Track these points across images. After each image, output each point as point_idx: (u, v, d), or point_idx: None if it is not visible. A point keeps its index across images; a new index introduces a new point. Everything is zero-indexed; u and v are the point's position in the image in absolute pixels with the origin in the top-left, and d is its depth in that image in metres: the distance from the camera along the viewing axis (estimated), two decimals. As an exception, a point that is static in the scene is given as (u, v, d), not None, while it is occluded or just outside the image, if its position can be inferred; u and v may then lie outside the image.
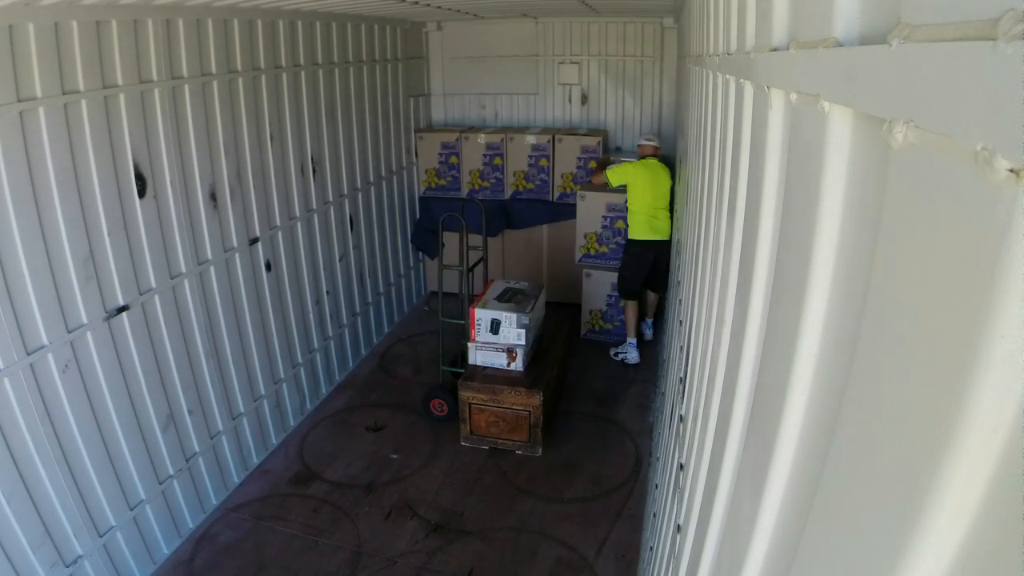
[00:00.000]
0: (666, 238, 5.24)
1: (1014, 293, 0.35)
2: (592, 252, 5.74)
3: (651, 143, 5.38)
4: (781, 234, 0.99)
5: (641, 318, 5.64)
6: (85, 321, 2.99)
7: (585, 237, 5.71)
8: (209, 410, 3.90)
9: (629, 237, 5.33)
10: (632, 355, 5.50)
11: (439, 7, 4.81)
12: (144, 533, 3.38)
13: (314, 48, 4.69)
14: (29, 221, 2.70)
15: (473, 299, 4.59)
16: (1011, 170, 0.34)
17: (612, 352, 5.59)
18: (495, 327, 4.34)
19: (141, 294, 3.32)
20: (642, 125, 6.40)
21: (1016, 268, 0.35)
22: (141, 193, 3.28)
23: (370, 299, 5.81)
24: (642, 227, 5.22)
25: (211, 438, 3.90)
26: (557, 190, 6.28)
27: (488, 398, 4.31)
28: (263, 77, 4.15)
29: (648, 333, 5.84)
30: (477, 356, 4.46)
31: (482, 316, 4.37)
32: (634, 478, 4.18)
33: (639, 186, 5.19)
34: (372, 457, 4.40)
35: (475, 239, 5.11)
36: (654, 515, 3.25)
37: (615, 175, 5.26)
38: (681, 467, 2.18)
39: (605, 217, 5.63)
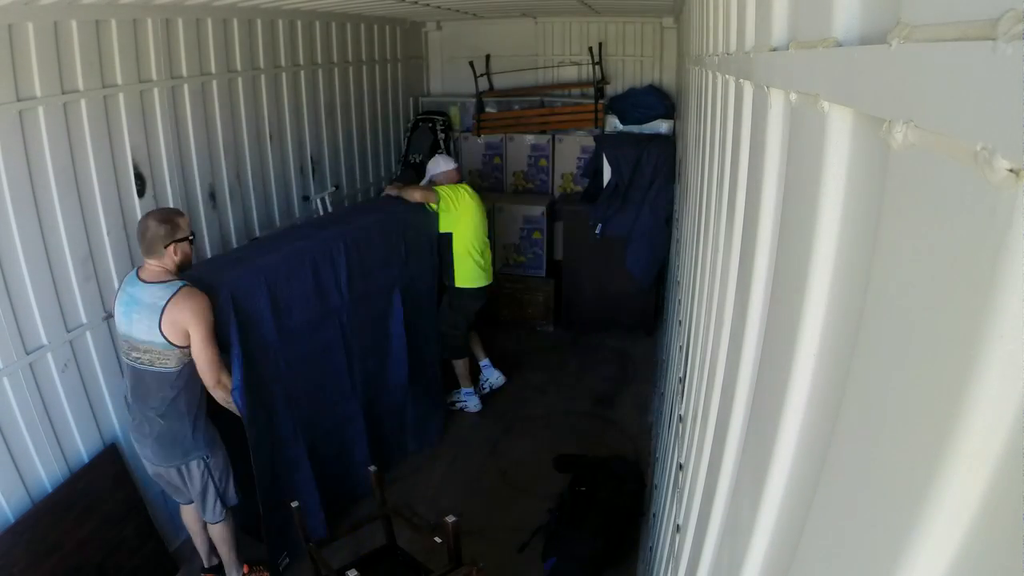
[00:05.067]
0: (491, 280, 4.59)
1: (1014, 293, 0.35)
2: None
3: (452, 168, 4.42)
4: (781, 234, 0.99)
5: (476, 367, 4.86)
6: (84, 321, 2.99)
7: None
8: (208, 410, 3.89)
9: (456, 285, 4.43)
10: (472, 402, 4.77)
11: (439, 7, 4.81)
12: (143, 533, 3.37)
13: (314, 48, 4.69)
14: (28, 221, 2.70)
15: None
16: (1011, 170, 0.34)
17: (448, 401, 4.76)
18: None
19: (140, 294, 3.31)
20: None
21: (1016, 268, 0.35)
22: (140, 192, 3.28)
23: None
24: (471, 272, 4.33)
25: (210, 438, 3.89)
26: (557, 190, 6.28)
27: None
28: (262, 77, 4.15)
29: (494, 377, 4.93)
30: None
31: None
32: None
33: (465, 219, 4.27)
34: (371, 457, 4.39)
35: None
36: (654, 515, 3.25)
37: (446, 201, 4.17)
38: (680, 467, 2.18)
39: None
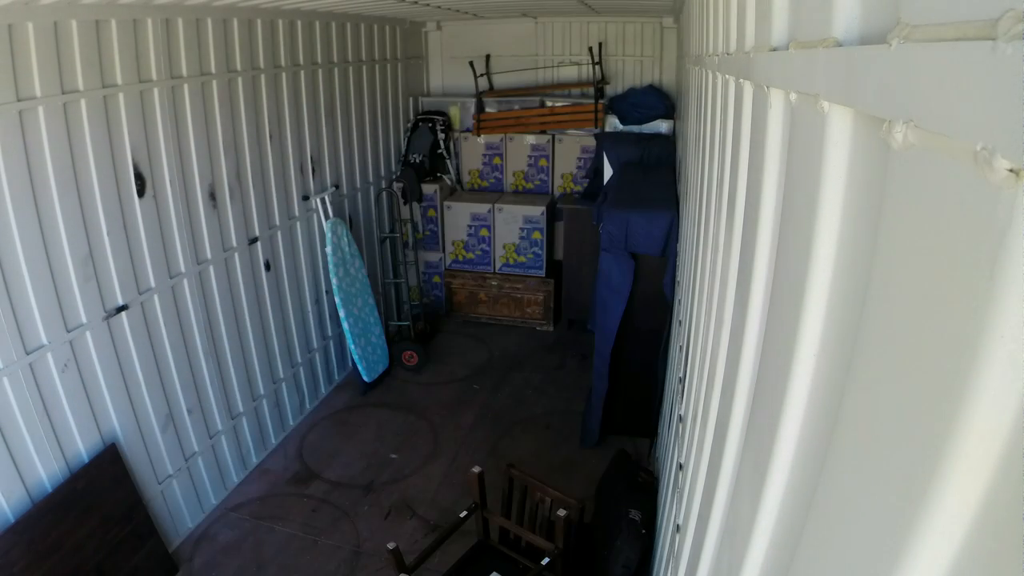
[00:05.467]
0: None
1: (1014, 293, 0.35)
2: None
3: None
4: (781, 234, 0.99)
5: None
6: (84, 321, 2.99)
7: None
8: (208, 410, 3.89)
9: None
10: None
11: (439, 7, 4.81)
12: (143, 533, 3.37)
13: (314, 48, 4.68)
14: (28, 221, 2.70)
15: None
16: (1011, 170, 0.34)
17: None
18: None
19: (140, 294, 3.31)
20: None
21: (1016, 268, 0.35)
22: (140, 193, 3.28)
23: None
24: None
25: (210, 438, 3.90)
26: (557, 190, 6.28)
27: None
28: (262, 77, 4.15)
29: None
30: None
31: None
32: (633, 478, 4.17)
33: None
34: (371, 457, 4.40)
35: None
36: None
37: None
38: (680, 467, 2.18)
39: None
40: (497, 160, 6.30)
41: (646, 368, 4.13)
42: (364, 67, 5.41)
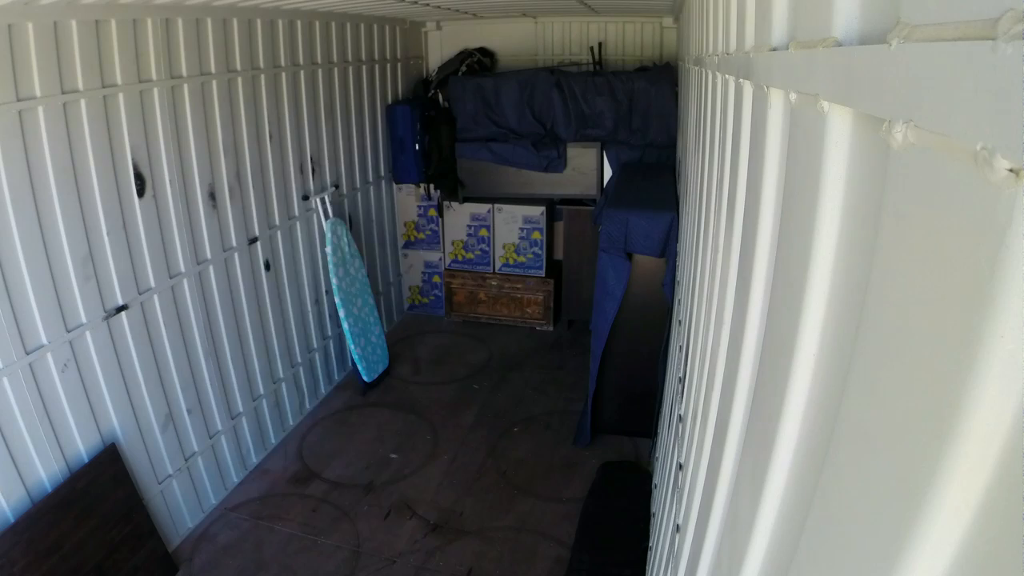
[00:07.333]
0: None
1: (1014, 293, 0.35)
2: (411, 239, 6.35)
3: None
4: (780, 234, 0.99)
5: None
6: (84, 321, 2.99)
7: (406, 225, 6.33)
8: (208, 410, 3.89)
9: None
10: None
11: (439, 7, 4.81)
12: (143, 533, 3.37)
13: (313, 48, 4.68)
14: (28, 221, 2.70)
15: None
16: (1011, 170, 0.34)
17: None
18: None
19: (140, 294, 3.31)
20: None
21: (1016, 268, 0.35)
22: (140, 193, 3.28)
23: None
24: None
25: (210, 438, 3.90)
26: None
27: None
28: (262, 77, 4.15)
29: None
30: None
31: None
32: (633, 478, 4.17)
33: None
34: (371, 457, 4.40)
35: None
36: (653, 515, 3.25)
37: None
38: (680, 467, 2.18)
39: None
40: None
41: (646, 368, 4.13)
42: (364, 67, 5.41)
